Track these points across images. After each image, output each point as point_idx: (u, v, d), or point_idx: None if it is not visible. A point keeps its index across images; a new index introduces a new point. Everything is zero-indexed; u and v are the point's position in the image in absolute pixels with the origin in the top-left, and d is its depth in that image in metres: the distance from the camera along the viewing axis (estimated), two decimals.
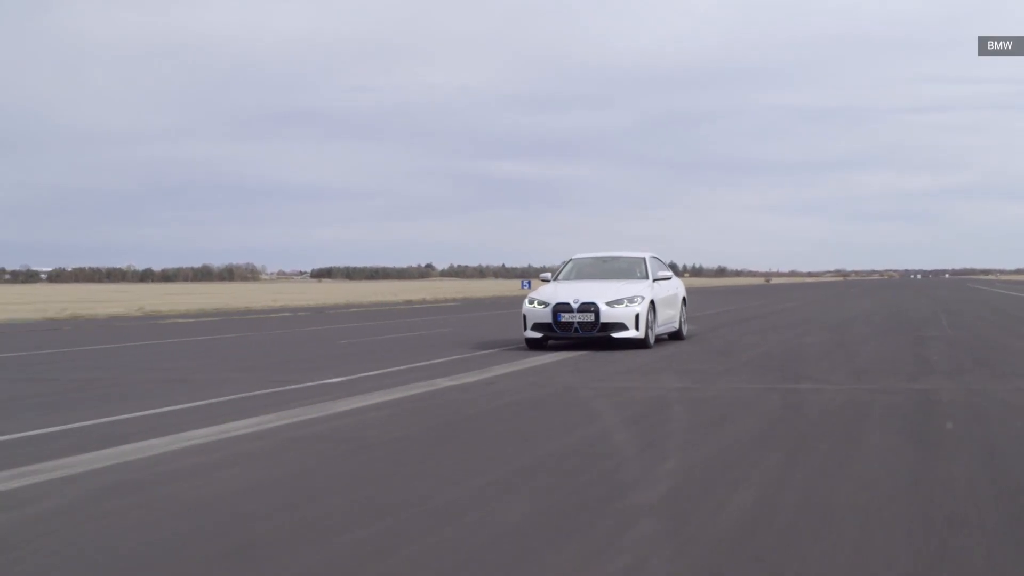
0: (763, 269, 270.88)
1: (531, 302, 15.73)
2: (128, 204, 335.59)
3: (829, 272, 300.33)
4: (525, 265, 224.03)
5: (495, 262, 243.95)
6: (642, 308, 15.33)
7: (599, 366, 12.61)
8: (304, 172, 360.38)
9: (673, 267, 19.81)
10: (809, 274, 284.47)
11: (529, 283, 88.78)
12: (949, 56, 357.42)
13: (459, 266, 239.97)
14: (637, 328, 15.23)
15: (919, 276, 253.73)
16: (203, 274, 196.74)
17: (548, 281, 16.64)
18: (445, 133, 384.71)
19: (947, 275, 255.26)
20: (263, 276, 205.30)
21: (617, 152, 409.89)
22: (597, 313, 15.20)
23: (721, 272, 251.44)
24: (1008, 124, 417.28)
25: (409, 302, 49.20)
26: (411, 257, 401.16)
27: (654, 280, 16.28)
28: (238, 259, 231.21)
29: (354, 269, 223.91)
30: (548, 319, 15.35)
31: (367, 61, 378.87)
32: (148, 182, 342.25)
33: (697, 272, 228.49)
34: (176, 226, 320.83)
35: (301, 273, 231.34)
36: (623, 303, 15.34)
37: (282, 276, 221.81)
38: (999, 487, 5.38)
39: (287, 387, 10.59)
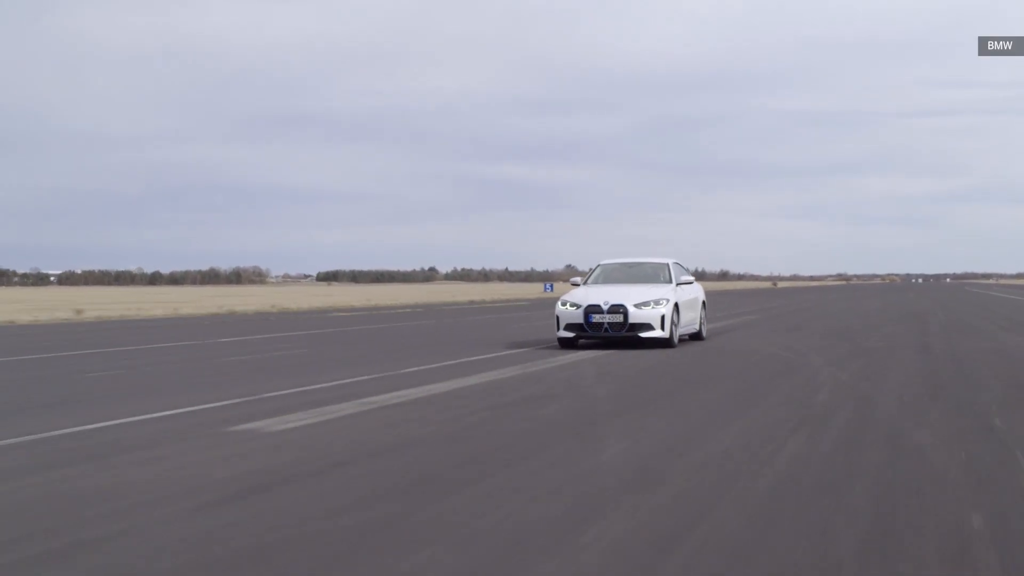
0: (765, 273, 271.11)
1: (564, 304, 16.79)
2: (129, 207, 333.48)
3: (831, 276, 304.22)
4: (528, 268, 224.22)
5: (496, 265, 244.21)
6: (667, 310, 16.40)
7: (721, 341, 20.19)
8: (305, 175, 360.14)
9: None
10: (811, 278, 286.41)
11: (551, 286, 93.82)
12: (950, 60, 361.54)
13: (463, 269, 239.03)
14: (663, 328, 16.32)
15: (920, 280, 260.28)
16: (210, 277, 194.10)
17: (578, 285, 17.98)
18: (447, 136, 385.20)
19: (948, 279, 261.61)
20: (269, 279, 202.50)
21: (619, 155, 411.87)
22: (626, 314, 16.27)
23: (724, 276, 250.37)
24: (1009, 128, 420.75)
25: (472, 302, 56.76)
26: (412, 260, 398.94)
27: (677, 284, 17.52)
28: (239, 262, 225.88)
29: (359, 272, 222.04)
30: (580, 320, 16.44)
31: (369, 64, 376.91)
32: (149, 185, 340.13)
33: (700, 276, 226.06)
34: (177, 229, 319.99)
35: (307, 276, 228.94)
36: (650, 305, 16.39)
37: (288, 279, 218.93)
38: (957, 367, 13.06)
39: (540, 347, 18.23)
